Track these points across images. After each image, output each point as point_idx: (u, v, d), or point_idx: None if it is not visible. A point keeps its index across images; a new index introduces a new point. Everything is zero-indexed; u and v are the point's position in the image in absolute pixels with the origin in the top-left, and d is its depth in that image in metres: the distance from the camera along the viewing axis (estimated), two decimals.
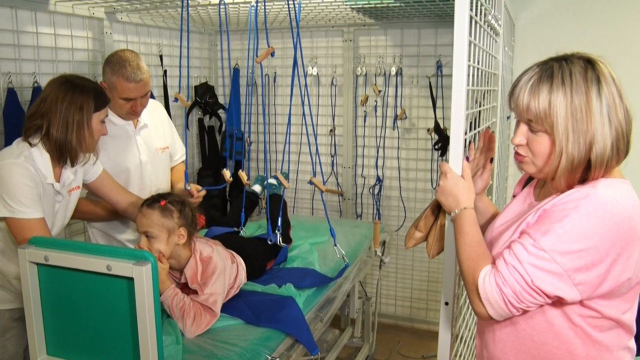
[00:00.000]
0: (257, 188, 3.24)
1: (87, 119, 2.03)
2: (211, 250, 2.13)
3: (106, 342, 1.53)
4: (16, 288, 2.05)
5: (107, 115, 2.15)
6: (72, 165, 2.09)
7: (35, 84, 2.72)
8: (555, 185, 1.32)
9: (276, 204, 2.91)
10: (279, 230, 2.54)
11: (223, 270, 2.10)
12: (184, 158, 2.97)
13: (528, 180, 1.56)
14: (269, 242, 2.54)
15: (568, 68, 1.28)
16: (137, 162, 2.63)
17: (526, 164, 1.38)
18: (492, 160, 1.65)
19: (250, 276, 2.41)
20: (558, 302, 1.29)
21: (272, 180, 3.15)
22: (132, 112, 2.51)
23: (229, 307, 2.13)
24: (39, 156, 1.99)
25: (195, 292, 2.04)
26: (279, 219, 2.51)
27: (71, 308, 1.56)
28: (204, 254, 2.10)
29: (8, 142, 2.56)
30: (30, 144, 1.98)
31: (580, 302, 1.28)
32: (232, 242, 2.51)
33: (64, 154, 2.02)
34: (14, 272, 2.03)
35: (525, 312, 1.32)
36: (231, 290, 2.22)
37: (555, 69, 1.29)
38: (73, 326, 1.57)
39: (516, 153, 1.39)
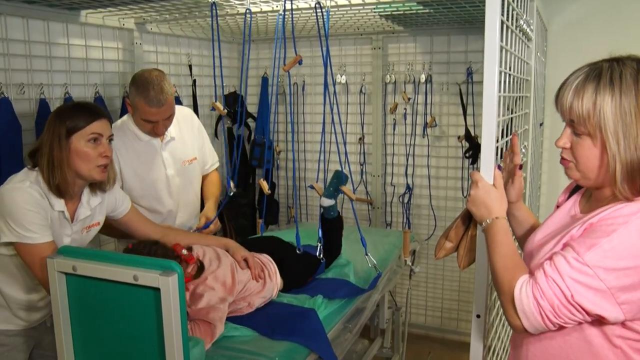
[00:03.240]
0: (331, 202, 2.65)
1: (57, 144, 1.89)
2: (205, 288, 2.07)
3: (133, 352, 1.53)
4: (14, 310, 2.02)
5: (98, 134, 1.95)
6: (60, 195, 1.94)
7: (67, 95, 2.76)
8: (619, 191, 1.23)
9: (337, 230, 2.76)
10: (320, 242, 2.52)
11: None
12: (215, 166, 2.96)
13: (574, 190, 1.49)
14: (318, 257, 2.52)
15: (618, 69, 1.21)
16: (163, 177, 2.62)
17: (570, 169, 1.31)
18: (521, 167, 1.58)
19: (288, 289, 2.39)
20: (598, 321, 1.21)
21: (328, 202, 2.67)
22: (154, 133, 2.51)
23: (247, 318, 2.11)
24: (45, 183, 1.92)
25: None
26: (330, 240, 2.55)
27: (99, 318, 1.56)
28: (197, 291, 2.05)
29: None
30: (38, 171, 1.93)
31: (622, 323, 1.21)
32: (284, 252, 2.49)
33: (48, 182, 1.90)
34: (15, 297, 2.01)
35: (562, 327, 1.24)
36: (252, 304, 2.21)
37: (605, 69, 1.23)
38: (101, 336, 1.57)
39: (562, 158, 1.33)
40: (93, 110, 1.99)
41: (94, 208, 2.09)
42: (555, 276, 1.19)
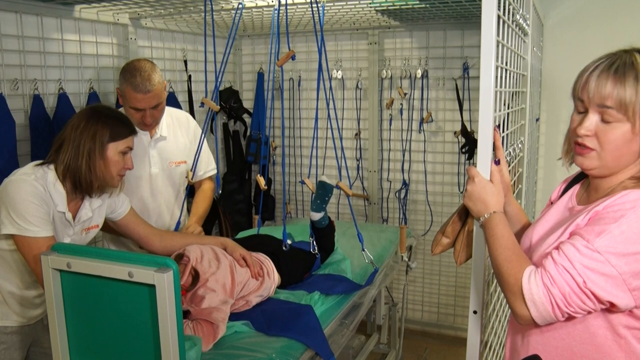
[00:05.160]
0: (320, 215, 2.59)
1: (99, 148, 1.94)
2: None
3: (128, 348, 1.52)
4: (11, 306, 2.02)
5: (130, 148, 2.05)
6: (90, 195, 2.02)
7: (61, 90, 2.74)
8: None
9: (329, 235, 2.74)
10: (312, 237, 2.54)
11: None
12: (210, 174, 2.86)
13: (568, 186, 1.48)
14: (312, 252, 2.54)
15: None
16: (147, 174, 2.60)
17: (590, 158, 1.29)
18: (498, 161, 1.55)
19: (285, 285, 2.40)
20: (603, 311, 1.21)
21: (317, 216, 2.60)
22: (142, 124, 2.49)
23: (244, 315, 2.11)
24: (54, 180, 1.93)
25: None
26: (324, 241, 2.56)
27: (94, 314, 1.55)
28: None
29: (34, 146, 2.59)
30: (47, 168, 1.94)
31: (630, 311, 1.21)
32: (277, 250, 2.48)
33: (75, 182, 1.95)
34: (13, 292, 2.00)
35: (569, 318, 1.23)
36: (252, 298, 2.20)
37: (638, 58, 1.23)
38: (96, 333, 1.56)
39: (580, 145, 1.30)
40: (131, 124, 2.08)
41: (94, 210, 2.09)
42: (565, 263, 1.18)
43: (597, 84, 1.24)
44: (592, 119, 1.27)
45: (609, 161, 1.27)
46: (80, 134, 1.94)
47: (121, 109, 2.55)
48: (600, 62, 1.27)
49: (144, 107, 2.43)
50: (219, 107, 2.57)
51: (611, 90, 1.22)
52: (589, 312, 1.21)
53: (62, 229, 1.99)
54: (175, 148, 2.69)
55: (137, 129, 2.50)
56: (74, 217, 2.02)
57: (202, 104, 2.58)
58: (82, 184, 1.95)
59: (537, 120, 3.30)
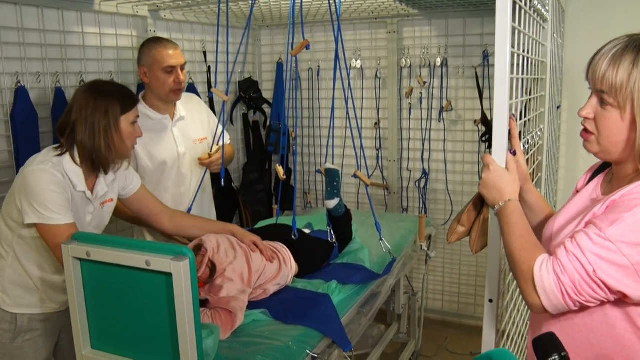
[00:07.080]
0: (336, 202, 2.59)
1: (113, 123, 1.97)
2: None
3: (147, 336, 1.54)
4: (43, 292, 2.06)
5: (137, 116, 2.07)
6: (106, 172, 2.05)
7: (82, 83, 2.77)
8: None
9: (346, 223, 2.73)
10: (329, 226, 2.56)
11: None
12: (227, 143, 2.95)
13: (595, 174, 1.45)
14: (330, 241, 2.56)
15: None
16: (174, 154, 2.68)
17: (590, 142, 1.28)
18: (514, 152, 1.51)
19: (302, 274, 2.41)
20: (620, 301, 1.19)
21: (333, 203, 2.60)
22: (176, 84, 2.58)
23: (261, 303, 2.13)
24: (70, 164, 1.96)
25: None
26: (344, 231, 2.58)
27: (113, 303, 1.58)
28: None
29: (56, 139, 2.62)
30: (60, 153, 1.96)
31: None
32: (295, 239, 2.49)
33: (94, 161, 1.98)
34: (44, 278, 2.05)
35: (583, 308, 1.21)
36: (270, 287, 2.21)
37: None
38: (115, 321, 1.59)
39: (583, 130, 1.29)
40: (133, 94, 2.09)
41: (108, 184, 2.14)
42: (576, 251, 1.16)
43: (595, 66, 1.23)
44: (592, 102, 1.26)
45: (607, 147, 1.25)
46: (92, 113, 1.94)
47: (141, 94, 2.64)
48: (609, 43, 1.24)
49: (176, 64, 2.58)
50: (227, 96, 2.60)
51: (604, 73, 1.20)
52: (602, 302, 1.19)
53: (83, 207, 2.04)
54: (194, 126, 2.80)
55: (156, 116, 2.58)
56: (92, 193, 2.07)
57: (211, 94, 2.64)
58: (101, 162, 1.99)
59: (559, 108, 3.26)
